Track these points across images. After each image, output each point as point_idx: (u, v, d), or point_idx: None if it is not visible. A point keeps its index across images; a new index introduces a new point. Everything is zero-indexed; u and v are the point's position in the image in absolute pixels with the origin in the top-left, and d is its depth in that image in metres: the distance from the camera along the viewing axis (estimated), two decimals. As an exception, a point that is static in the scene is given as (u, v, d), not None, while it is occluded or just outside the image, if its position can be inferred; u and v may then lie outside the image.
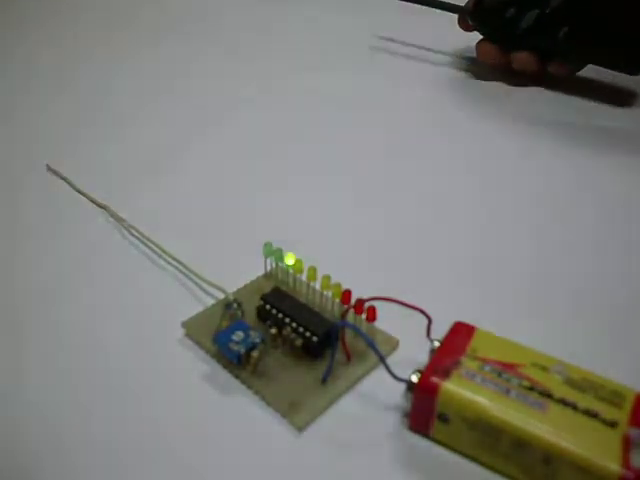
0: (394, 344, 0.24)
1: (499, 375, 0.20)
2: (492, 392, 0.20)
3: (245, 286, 0.27)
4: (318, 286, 0.25)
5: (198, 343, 0.25)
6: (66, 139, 0.39)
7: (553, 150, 0.38)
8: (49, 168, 0.36)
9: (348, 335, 0.24)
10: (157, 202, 0.33)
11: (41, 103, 0.44)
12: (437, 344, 0.22)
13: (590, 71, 0.44)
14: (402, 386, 0.21)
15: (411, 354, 0.24)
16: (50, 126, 0.41)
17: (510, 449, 0.19)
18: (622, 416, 0.19)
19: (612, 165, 0.36)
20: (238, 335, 0.23)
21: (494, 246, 0.30)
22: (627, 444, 0.18)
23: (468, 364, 0.21)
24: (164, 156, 0.37)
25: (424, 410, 0.21)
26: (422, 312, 0.23)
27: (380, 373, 0.23)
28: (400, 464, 0.21)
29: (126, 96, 0.44)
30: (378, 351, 0.21)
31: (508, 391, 0.20)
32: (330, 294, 0.25)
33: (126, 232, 0.31)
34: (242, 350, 0.23)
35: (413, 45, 0.51)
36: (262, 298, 0.25)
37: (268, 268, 0.27)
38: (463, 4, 0.45)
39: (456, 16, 0.46)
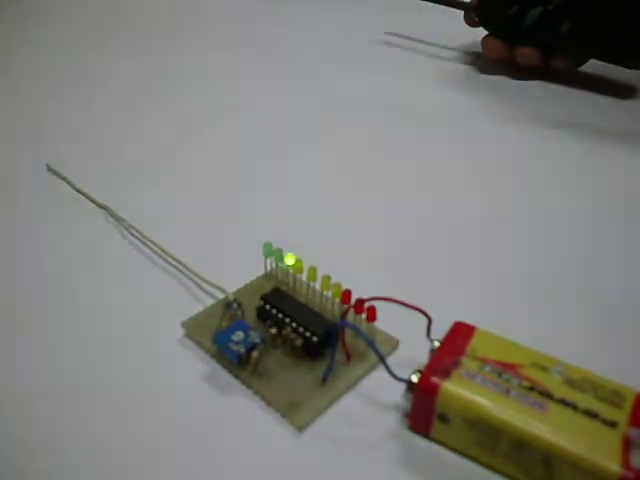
0: (394, 344, 0.24)
1: (499, 375, 0.20)
2: (492, 392, 0.20)
3: (245, 286, 0.27)
4: (318, 286, 0.25)
5: (198, 343, 0.25)
6: (66, 139, 0.39)
7: (553, 143, 0.38)
8: (49, 168, 0.36)
9: (348, 335, 0.24)
10: (157, 202, 0.33)
11: (41, 103, 0.44)
12: (437, 344, 0.22)
13: (592, 65, 0.45)
14: (402, 386, 0.21)
15: (411, 354, 0.24)
16: (50, 126, 0.41)
17: (510, 449, 0.19)
18: (622, 416, 0.19)
19: (612, 159, 0.37)
20: (238, 335, 0.23)
21: (494, 246, 0.30)
22: (627, 444, 0.18)
23: (468, 364, 0.21)
24: (164, 156, 0.37)
25: (424, 410, 0.21)
26: (422, 312, 0.23)
27: (380, 373, 0.23)
28: (400, 464, 0.21)
29: (126, 96, 0.44)
30: (378, 351, 0.21)
31: (508, 391, 0.20)
32: (330, 294, 0.25)
33: (126, 232, 0.31)
34: (242, 350, 0.23)
35: (420, 40, 0.52)
36: (262, 298, 0.25)
37: (268, 268, 0.27)
38: (469, 0, 0.46)
39: (462, 12, 0.47)
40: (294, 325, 0.24)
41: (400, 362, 0.23)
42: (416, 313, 0.23)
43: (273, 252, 0.26)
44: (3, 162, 0.37)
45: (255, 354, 0.23)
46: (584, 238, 0.31)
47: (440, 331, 0.22)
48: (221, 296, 0.26)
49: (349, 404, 0.23)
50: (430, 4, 0.48)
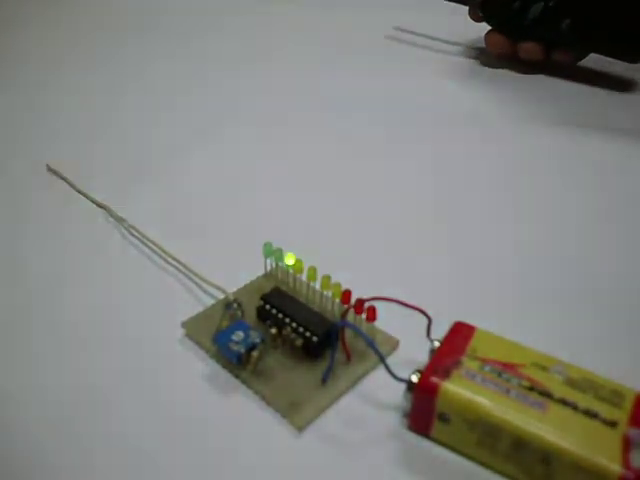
0: (394, 344, 0.24)
1: (499, 375, 0.20)
2: (492, 392, 0.20)
3: (245, 286, 0.27)
4: (318, 286, 0.25)
5: (198, 343, 0.25)
6: (66, 139, 0.39)
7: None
8: (49, 168, 0.36)
9: (348, 335, 0.24)
10: (157, 202, 0.33)
11: (41, 103, 0.44)
12: (437, 344, 0.22)
13: (592, 60, 0.46)
14: (402, 386, 0.21)
15: (411, 354, 0.24)
16: (50, 126, 0.41)
17: (510, 449, 0.19)
18: (622, 416, 0.19)
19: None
20: (238, 335, 0.23)
21: (494, 246, 0.30)
22: (627, 444, 0.18)
23: (468, 364, 0.21)
24: (164, 156, 0.37)
25: (424, 410, 0.21)
26: (422, 312, 0.23)
27: (380, 373, 0.23)
28: (400, 464, 0.21)
29: (126, 96, 0.45)
30: (378, 351, 0.21)
31: (508, 391, 0.20)
32: (330, 294, 0.25)
33: (126, 232, 0.31)
34: (242, 350, 0.23)
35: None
36: (262, 298, 0.25)
37: (268, 268, 0.27)
38: None
39: (467, 8, 0.48)
40: (294, 325, 0.24)
41: (400, 362, 0.23)
42: (416, 313, 0.23)
43: (273, 252, 0.26)
44: (3, 162, 0.37)
45: (255, 354, 0.23)
46: (584, 237, 0.31)
47: (440, 331, 0.22)
48: (221, 296, 0.26)
49: (349, 404, 0.23)
50: (437, 0, 0.50)
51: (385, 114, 0.42)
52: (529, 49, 0.45)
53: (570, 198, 0.33)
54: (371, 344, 0.21)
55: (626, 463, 0.18)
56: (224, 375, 0.24)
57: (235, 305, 0.24)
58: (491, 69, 0.48)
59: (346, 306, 0.24)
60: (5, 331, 0.26)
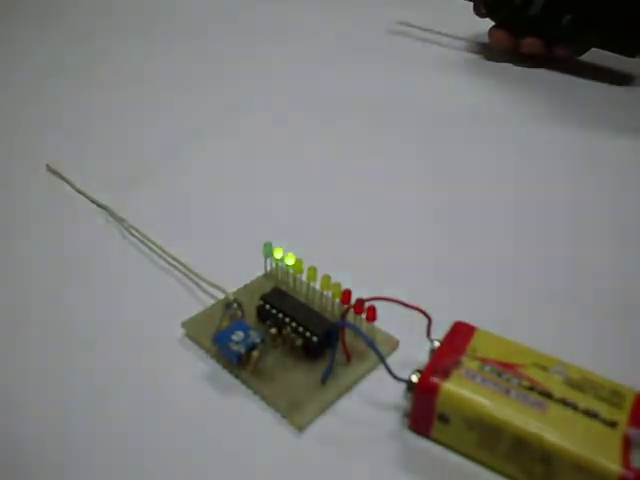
0: (394, 344, 0.24)
1: (499, 375, 0.20)
2: (492, 392, 0.20)
3: (245, 286, 0.27)
4: (318, 286, 0.25)
5: (198, 343, 0.25)
6: (66, 139, 0.39)
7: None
8: (49, 168, 0.36)
9: (348, 335, 0.24)
10: (157, 202, 0.33)
11: (41, 103, 0.44)
12: (437, 344, 0.22)
13: (591, 55, 0.47)
14: (402, 386, 0.21)
15: (411, 354, 0.24)
16: (50, 126, 0.41)
17: (510, 449, 0.19)
18: (622, 416, 0.19)
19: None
20: (238, 335, 0.23)
21: (494, 246, 0.30)
22: (627, 444, 0.18)
23: (468, 364, 0.21)
24: (164, 156, 0.37)
25: (424, 410, 0.21)
26: (422, 312, 0.22)
27: (380, 373, 0.23)
28: (400, 464, 0.21)
29: (126, 96, 0.44)
30: (378, 351, 0.21)
31: (508, 391, 0.20)
32: (330, 294, 0.25)
33: (126, 232, 0.31)
34: (242, 350, 0.23)
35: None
36: (262, 298, 0.25)
37: (268, 268, 0.27)
38: None
39: (471, 4, 0.50)
40: (294, 325, 0.24)
41: (400, 362, 0.23)
42: (416, 313, 0.22)
43: (273, 252, 0.26)
44: (3, 162, 0.37)
45: (255, 354, 0.23)
46: (584, 237, 0.31)
47: (440, 331, 0.22)
48: (221, 296, 0.26)
49: (349, 404, 0.23)
50: None
51: (386, 112, 0.42)
52: (530, 44, 0.46)
53: (572, 196, 0.33)
54: (371, 344, 0.21)
55: (626, 463, 0.18)
56: (224, 375, 0.24)
57: (235, 305, 0.24)
58: (494, 63, 0.49)
59: (346, 306, 0.24)
60: (5, 331, 0.26)
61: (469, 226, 0.31)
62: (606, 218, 0.32)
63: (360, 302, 0.23)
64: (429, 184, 0.35)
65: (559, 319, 0.26)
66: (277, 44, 0.53)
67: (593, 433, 0.19)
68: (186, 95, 0.44)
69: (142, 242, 0.30)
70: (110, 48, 0.52)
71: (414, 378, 0.21)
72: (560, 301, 0.27)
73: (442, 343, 0.22)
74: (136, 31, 0.56)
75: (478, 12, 0.50)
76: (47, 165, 0.36)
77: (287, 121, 0.41)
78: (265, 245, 0.27)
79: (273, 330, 0.24)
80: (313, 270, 0.26)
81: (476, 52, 0.51)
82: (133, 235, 0.31)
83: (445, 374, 0.20)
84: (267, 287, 0.26)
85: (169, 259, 0.28)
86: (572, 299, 0.27)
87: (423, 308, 0.23)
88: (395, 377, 0.21)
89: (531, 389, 0.20)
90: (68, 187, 0.34)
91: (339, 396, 0.23)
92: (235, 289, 0.27)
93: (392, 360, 0.23)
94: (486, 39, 0.50)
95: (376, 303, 0.23)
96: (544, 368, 0.21)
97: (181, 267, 0.28)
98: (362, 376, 0.23)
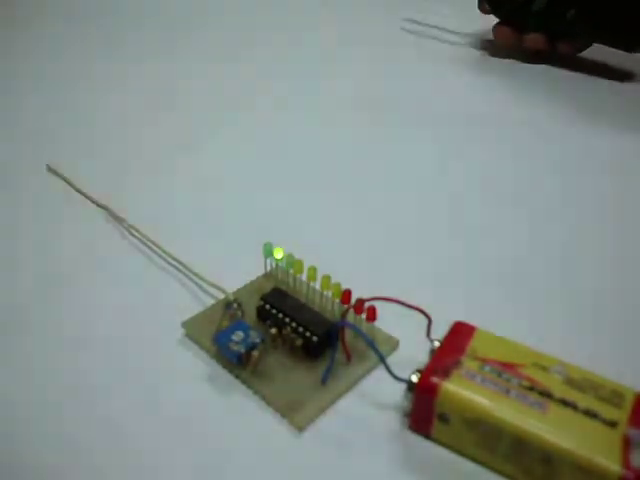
0: (394, 344, 0.24)
1: (499, 375, 0.20)
2: (492, 392, 0.20)
3: (245, 286, 0.27)
4: (318, 286, 0.25)
5: (198, 343, 0.25)
6: (66, 139, 0.39)
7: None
8: (49, 168, 0.36)
9: (348, 335, 0.24)
10: (157, 202, 0.33)
11: (41, 103, 0.44)
12: (437, 344, 0.22)
13: (593, 51, 0.48)
14: (402, 386, 0.21)
15: (411, 354, 0.24)
16: (50, 126, 0.41)
17: (510, 449, 0.19)
18: (622, 416, 0.19)
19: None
20: (238, 335, 0.23)
21: (494, 246, 0.30)
22: (627, 444, 0.18)
23: (468, 364, 0.21)
24: (164, 156, 0.37)
25: (424, 410, 0.21)
26: (422, 312, 0.23)
27: (380, 373, 0.23)
28: (400, 464, 0.21)
29: (126, 96, 0.44)
30: (378, 351, 0.21)
31: (508, 391, 0.20)
32: (330, 294, 0.25)
33: (126, 232, 0.31)
34: (242, 350, 0.23)
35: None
36: (262, 298, 0.25)
37: (268, 268, 0.27)
38: None
39: (475, 0, 0.50)
40: (294, 325, 0.24)
41: (400, 362, 0.23)
42: (416, 313, 0.23)
43: (273, 252, 0.26)
44: (3, 162, 0.37)
45: (255, 354, 0.23)
46: (584, 237, 0.31)
47: (440, 331, 0.22)
48: (221, 296, 0.26)
49: (349, 404, 0.23)
50: None
51: (388, 111, 0.42)
52: (534, 40, 0.47)
53: (573, 194, 0.33)
54: (371, 344, 0.21)
55: (626, 463, 0.18)
56: (224, 375, 0.24)
57: (235, 305, 0.24)
58: (499, 60, 0.50)
59: (346, 306, 0.24)
60: (5, 331, 0.26)
61: (469, 226, 0.31)
62: (607, 216, 0.32)
63: (360, 302, 0.23)
64: (429, 184, 0.35)
65: (559, 319, 0.26)
66: (278, 42, 0.53)
67: (593, 433, 0.19)
68: (186, 95, 0.44)
69: (142, 242, 0.30)
70: (111, 47, 0.52)
71: (414, 378, 0.21)
72: (560, 301, 0.27)
73: (442, 343, 0.22)
74: (136, 30, 0.56)
75: (482, 9, 0.50)
76: (47, 165, 0.36)
77: (288, 120, 0.41)
78: (265, 245, 0.27)
79: (273, 330, 0.24)
80: (313, 270, 0.26)
81: (480, 48, 0.52)
82: (133, 235, 0.31)
83: (445, 374, 0.20)
84: (267, 287, 0.26)
85: (169, 259, 0.28)
86: (572, 299, 0.27)
87: (423, 308, 0.23)
88: (395, 377, 0.21)
89: (531, 389, 0.20)
90: (68, 187, 0.34)
91: (339, 396, 0.23)
92: (235, 289, 0.27)
93: (392, 360, 0.23)
94: (490, 36, 0.50)
95: (376, 303, 0.23)
96: (544, 368, 0.21)
97: (181, 267, 0.28)
98: (362, 376, 0.23)
